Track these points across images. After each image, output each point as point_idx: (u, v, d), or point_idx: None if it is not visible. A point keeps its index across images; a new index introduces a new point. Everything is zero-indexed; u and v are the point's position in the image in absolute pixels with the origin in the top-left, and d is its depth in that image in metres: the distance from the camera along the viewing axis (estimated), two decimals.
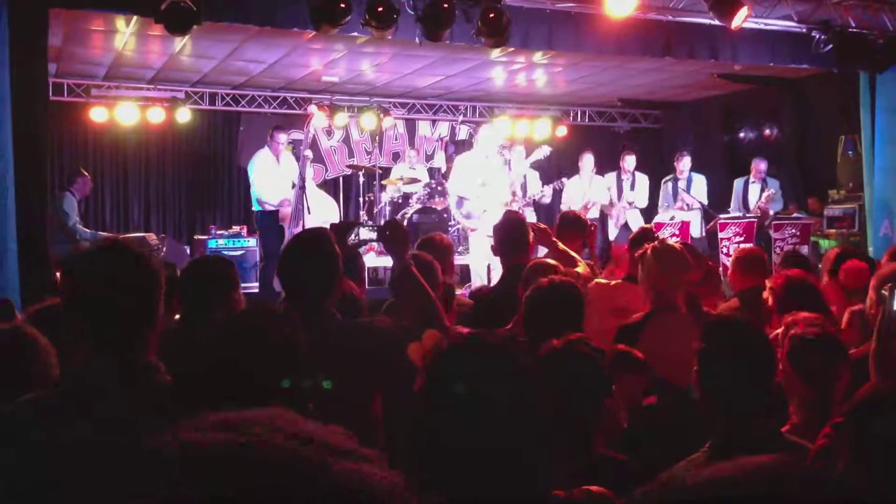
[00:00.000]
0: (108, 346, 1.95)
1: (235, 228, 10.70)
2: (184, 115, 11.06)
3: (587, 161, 10.77)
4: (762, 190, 10.31)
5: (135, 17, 7.52)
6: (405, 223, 9.92)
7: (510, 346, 1.55)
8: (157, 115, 11.00)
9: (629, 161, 10.83)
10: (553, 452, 1.46)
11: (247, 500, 0.66)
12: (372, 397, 2.75)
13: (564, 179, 10.61)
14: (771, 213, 9.94)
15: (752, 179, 10.43)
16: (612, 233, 10.70)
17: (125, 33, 8.44)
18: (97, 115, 10.85)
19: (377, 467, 0.73)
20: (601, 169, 11.18)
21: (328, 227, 3.97)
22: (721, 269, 7.68)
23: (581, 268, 4.53)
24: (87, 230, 9.54)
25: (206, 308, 3.18)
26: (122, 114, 10.86)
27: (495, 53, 9.04)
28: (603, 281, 4.71)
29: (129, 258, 2.01)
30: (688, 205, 10.37)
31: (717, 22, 7.39)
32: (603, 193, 10.80)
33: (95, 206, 11.27)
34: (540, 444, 1.43)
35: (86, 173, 9.87)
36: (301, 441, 0.70)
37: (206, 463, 0.67)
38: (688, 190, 10.45)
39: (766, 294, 4.12)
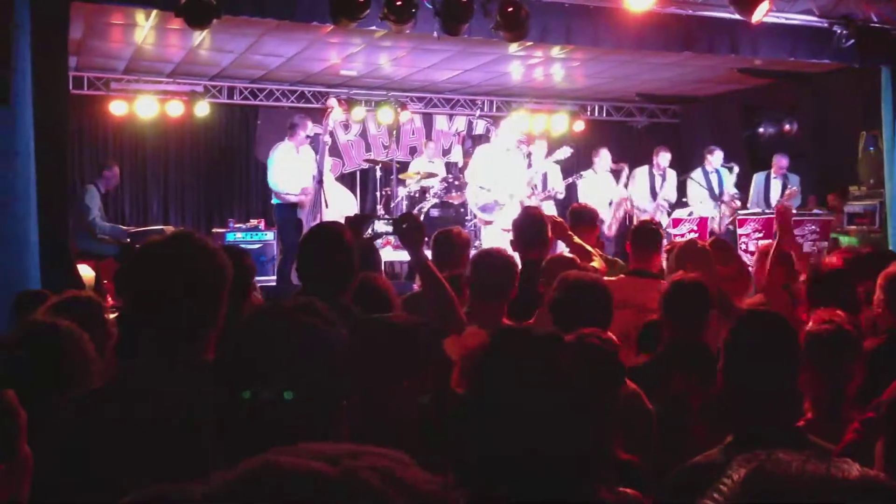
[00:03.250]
0: (167, 344, 1.85)
1: (253, 222, 10.76)
2: (202, 108, 11.10)
3: (603, 157, 10.72)
4: (784, 186, 10.24)
5: (154, 11, 7.56)
6: (422, 217, 9.93)
7: (557, 344, 1.54)
8: (175, 109, 11.06)
9: (663, 157, 10.72)
10: (601, 451, 1.45)
11: None
12: (392, 393, 2.75)
13: (584, 173, 10.57)
14: (793, 210, 9.87)
15: (773, 175, 10.36)
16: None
17: (145, 27, 8.49)
18: (117, 108, 10.92)
19: None
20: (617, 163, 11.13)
21: (343, 220, 3.98)
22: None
23: (597, 262, 4.52)
24: (107, 224, 9.60)
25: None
26: (142, 107, 10.92)
27: (513, 48, 9.02)
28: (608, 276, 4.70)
29: (202, 250, 1.90)
30: (733, 202, 10.27)
31: (737, 16, 7.33)
32: (615, 191, 10.73)
33: (115, 200, 11.34)
34: (588, 442, 1.42)
35: (114, 166, 9.93)
36: (393, 484, 0.66)
37: (302, 488, 0.64)
38: (720, 185, 10.37)
39: (798, 285, 4.10)
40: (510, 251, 4.26)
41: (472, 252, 4.84)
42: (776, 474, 0.85)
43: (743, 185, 10.72)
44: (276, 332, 1.71)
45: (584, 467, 1.43)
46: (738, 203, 10.36)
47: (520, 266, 4.54)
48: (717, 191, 10.44)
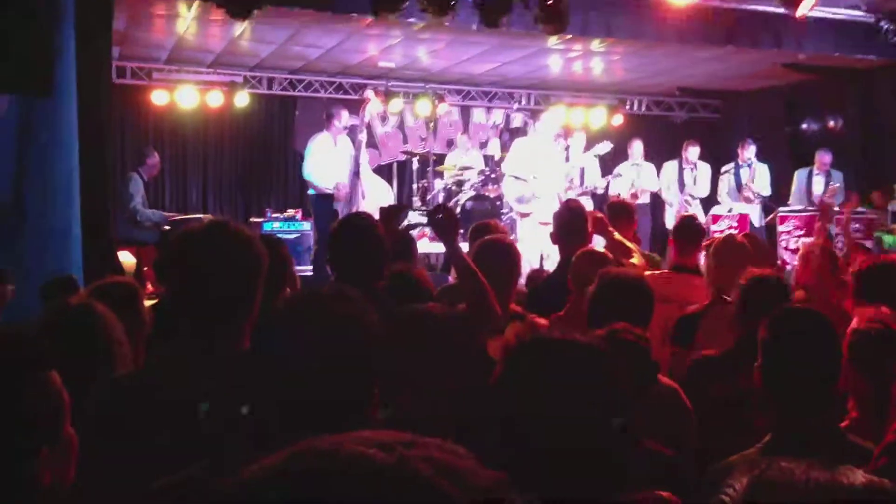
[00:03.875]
0: (203, 330, 1.86)
1: (290, 212, 10.82)
2: (242, 99, 11.20)
3: (636, 148, 10.72)
4: (826, 182, 10.07)
5: (196, 2, 7.63)
6: (458, 210, 9.93)
7: (594, 341, 1.53)
8: (216, 99, 11.16)
9: (692, 151, 10.69)
10: (632, 451, 1.44)
11: None
12: (426, 382, 2.75)
13: (621, 171, 10.53)
14: (836, 207, 9.71)
15: (815, 171, 10.20)
16: (670, 221, 10.57)
17: (187, 18, 8.57)
18: (158, 98, 11.05)
19: None
20: (658, 161, 11.06)
21: (378, 211, 3.98)
22: (780, 262, 7.53)
23: (636, 259, 4.48)
24: (148, 210, 9.74)
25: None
26: (183, 97, 11.04)
27: (553, 41, 8.95)
28: (649, 272, 4.66)
29: (238, 238, 1.90)
30: (753, 195, 10.16)
31: (781, 10, 7.21)
32: (652, 181, 10.69)
33: (156, 188, 11.48)
34: (621, 442, 1.41)
35: (154, 154, 10.06)
36: (448, 476, 0.63)
37: (353, 474, 0.62)
38: (752, 180, 10.26)
39: (847, 277, 4.02)
40: (550, 244, 4.23)
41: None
42: (779, 482, 0.84)
43: (784, 181, 10.57)
44: (309, 319, 1.72)
45: (609, 466, 1.42)
46: (752, 196, 10.21)
47: (558, 259, 4.53)
48: (744, 184, 10.34)
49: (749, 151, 10.43)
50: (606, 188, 10.50)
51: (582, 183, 10.04)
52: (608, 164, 10.71)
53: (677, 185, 10.70)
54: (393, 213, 3.88)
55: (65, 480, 1.50)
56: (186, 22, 8.75)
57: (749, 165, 10.44)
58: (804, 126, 11.95)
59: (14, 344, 1.48)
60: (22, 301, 4.26)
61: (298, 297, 1.92)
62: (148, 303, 3.17)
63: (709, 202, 10.76)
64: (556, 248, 5.06)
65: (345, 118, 9.38)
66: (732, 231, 8.78)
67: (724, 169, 10.61)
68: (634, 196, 10.37)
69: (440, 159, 11.36)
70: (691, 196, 10.61)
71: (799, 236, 8.92)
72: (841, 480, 0.80)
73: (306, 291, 2.11)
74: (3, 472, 1.39)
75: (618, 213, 5.39)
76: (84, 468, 1.54)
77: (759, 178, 10.39)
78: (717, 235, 6.65)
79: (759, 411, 2.86)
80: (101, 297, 2.65)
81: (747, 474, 0.90)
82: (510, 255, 3.72)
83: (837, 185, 9.94)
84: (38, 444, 1.41)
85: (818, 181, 10.18)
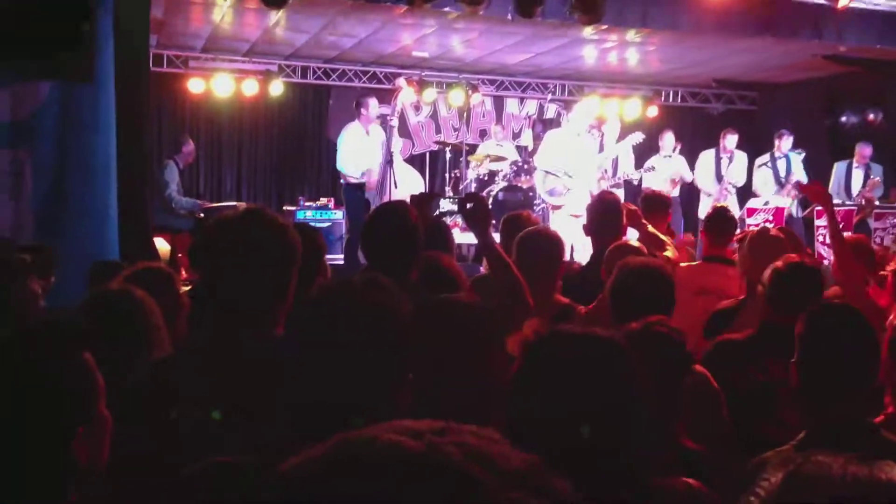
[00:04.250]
0: (237, 318, 1.87)
1: (323, 200, 10.88)
2: (276, 87, 11.27)
3: (668, 139, 10.61)
4: (866, 176, 9.91)
5: None
6: (490, 200, 9.92)
7: (614, 334, 1.52)
8: (251, 88, 11.24)
9: (730, 140, 10.55)
10: (655, 441, 1.43)
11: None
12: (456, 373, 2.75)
13: (653, 163, 10.44)
14: (876, 201, 9.56)
15: (855, 164, 10.04)
16: (705, 212, 10.46)
17: (223, 6, 8.63)
18: (194, 86, 11.15)
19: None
20: (693, 153, 10.95)
21: (409, 198, 3.97)
22: (817, 257, 7.43)
23: (670, 251, 4.44)
24: (183, 198, 9.84)
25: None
26: (218, 85, 11.13)
27: (588, 31, 8.89)
28: (685, 263, 4.62)
29: (273, 226, 1.91)
30: (794, 184, 10.03)
31: (822, 0, 7.09)
32: (685, 170, 10.58)
33: (191, 176, 11.60)
34: (642, 434, 1.40)
35: (190, 141, 10.17)
36: (479, 461, 0.62)
37: (382, 462, 0.62)
38: (788, 171, 10.12)
39: (886, 272, 3.96)
40: (580, 237, 4.20)
41: None
42: (816, 476, 0.82)
43: (822, 175, 10.41)
44: (343, 307, 1.73)
45: (636, 458, 1.41)
46: (796, 192, 10.07)
47: (591, 251, 4.50)
48: (782, 176, 10.20)
49: (786, 143, 10.28)
50: (640, 181, 10.42)
51: (615, 174, 9.97)
52: (640, 157, 10.62)
53: (714, 174, 10.57)
54: (424, 201, 3.86)
55: (99, 460, 1.53)
56: (222, 10, 8.81)
57: (786, 157, 10.30)
58: (843, 119, 11.75)
59: (52, 329, 1.52)
60: (62, 285, 4.33)
61: (331, 286, 1.93)
62: (183, 289, 3.20)
63: (744, 194, 10.62)
64: (586, 240, 5.03)
65: (374, 107, 9.39)
66: (768, 224, 8.68)
67: (759, 161, 10.47)
68: (674, 183, 10.30)
69: (473, 150, 11.34)
70: (731, 184, 10.48)
71: None
72: (879, 476, 0.79)
73: (339, 280, 2.11)
74: (41, 449, 1.42)
75: (652, 205, 5.35)
76: (118, 450, 1.57)
77: (797, 170, 10.25)
78: (752, 229, 6.58)
79: (783, 402, 2.84)
80: (137, 282, 2.69)
81: (782, 469, 0.89)
82: (554, 246, 3.71)
83: (877, 178, 9.78)
84: (74, 422, 1.44)
85: (857, 174, 10.02)
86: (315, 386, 1.66)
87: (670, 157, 10.60)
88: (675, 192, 10.50)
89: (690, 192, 11.01)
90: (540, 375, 1.45)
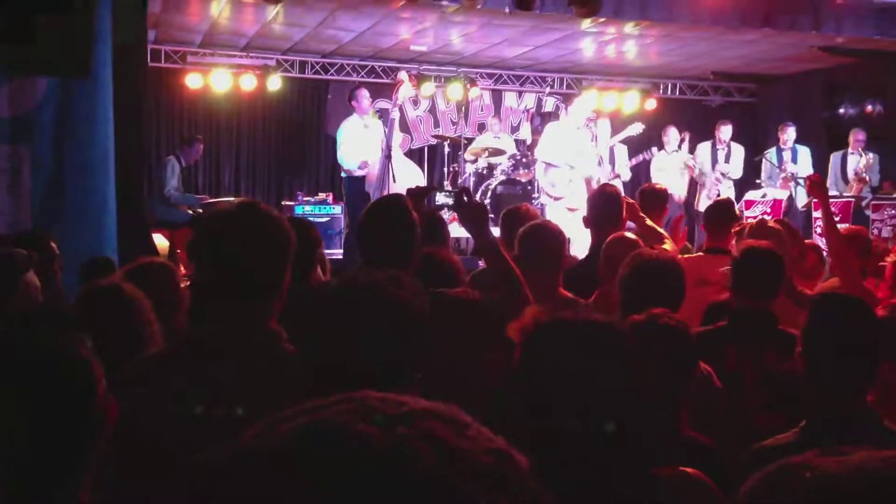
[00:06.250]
0: (233, 311, 1.88)
1: (322, 195, 10.86)
2: (274, 82, 11.25)
3: (672, 135, 10.57)
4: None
5: None
6: (489, 194, 9.91)
7: (613, 321, 1.52)
8: (249, 83, 11.22)
9: (724, 131, 10.58)
10: (658, 430, 1.43)
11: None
12: (455, 369, 2.76)
13: (655, 149, 10.41)
14: (867, 178, 9.57)
15: (850, 151, 10.06)
16: (704, 204, 10.44)
17: (221, 1, 8.61)
18: (192, 81, 11.13)
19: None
20: (691, 145, 10.94)
21: (404, 192, 3.95)
22: (815, 248, 7.42)
23: (668, 245, 4.44)
24: (181, 194, 9.86)
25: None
26: (216, 80, 11.12)
27: (586, 24, 8.88)
28: (686, 255, 4.63)
29: (267, 219, 1.92)
30: (793, 176, 10.02)
31: None
32: (681, 166, 10.56)
33: (189, 171, 11.58)
34: (645, 421, 1.40)
35: (199, 141, 10.20)
36: (452, 463, 0.60)
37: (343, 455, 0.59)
38: (794, 162, 10.13)
39: (885, 262, 3.96)
40: (577, 230, 4.19)
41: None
42: (833, 470, 0.82)
43: (822, 166, 10.41)
44: (362, 301, 1.72)
45: (639, 446, 1.41)
46: (802, 182, 10.07)
47: (590, 244, 4.49)
48: (790, 169, 10.19)
49: (789, 135, 10.28)
50: (643, 172, 10.42)
51: (613, 168, 9.99)
52: (637, 150, 10.59)
53: (710, 166, 10.58)
54: (420, 195, 3.84)
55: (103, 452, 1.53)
56: (220, 5, 8.79)
57: (791, 149, 10.30)
58: (841, 111, 11.75)
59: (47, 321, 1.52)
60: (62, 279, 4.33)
61: (349, 280, 1.91)
62: (182, 284, 3.20)
63: (741, 187, 10.61)
64: (582, 234, 5.01)
65: (366, 97, 9.39)
66: (766, 216, 8.68)
67: (765, 154, 10.45)
68: (690, 169, 10.29)
69: (471, 143, 11.33)
70: (722, 174, 10.46)
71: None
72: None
73: (353, 274, 2.10)
74: (47, 445, 1.43)
75: (649, 199, 5.34)
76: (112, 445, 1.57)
77: (801, 161, 10.25)
78: (749, 221, 6.58)
79: (751, 392, 2.85)
80: (138, 277, 2.70)
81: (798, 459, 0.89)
82: (557, 240, 3.69)
83: (871, 155, 9.80)
84: (81, 417, 1.45)
85: (853, 160, 10.06)
86: (325, 383, 1.66)
87: (677, 151, 10.57)
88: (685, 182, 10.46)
89: (691, 188, 10.98)
90: (541, 362, 1.45)
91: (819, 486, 0.80)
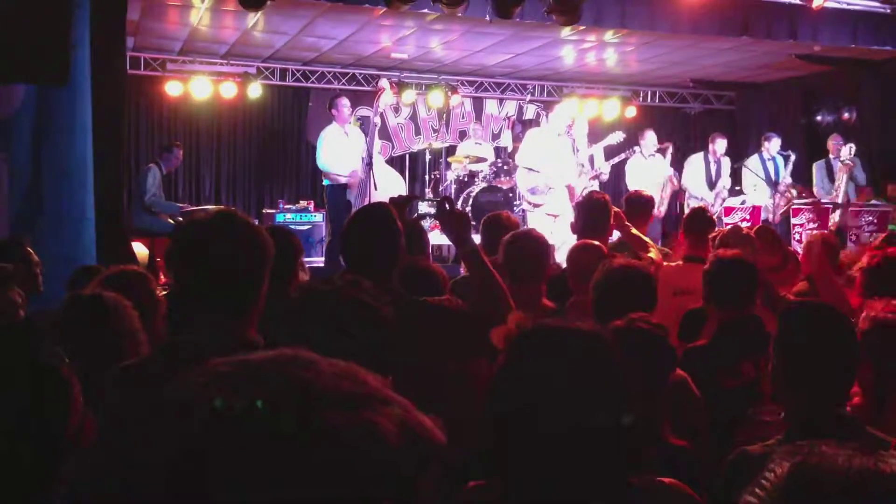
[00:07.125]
0: (210, 319, 1.88)
1: (303, 203, 10.83)
2: (255, 90, 11.22)
3: (649, 139, 10.54)
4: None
5: None
6: (470, 201, 9.92)
7: (597, 328, 1.52)
8: (229, 90, 11.19)
9: (720, 144, 10.53)
10: (637, 437, 1.43)
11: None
12: (437, 376, 2.75)
13: (636, 148, 10.42)
14: (850, 163, 9.64)
15: (832, 156, 10.15)
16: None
17: (200, 8, 8.58)
18: (172, 88, 11.08)
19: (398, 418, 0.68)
20: (678, 157, 10.97)
21: (387, 200, 3.95)
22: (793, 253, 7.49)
23: (654, 253, 4.45)
24: (163, 202, 9.82)
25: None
26: (196, 88, 11.07)
27: (566, 32, 8.92)
28: (666, 264, 4.65)
29: (244, 228, 1.92)
30: (793, 191, 10.09)
31: (797, 1, 7.16)
32: (664, 171, 10.52)
33: (169, 179, 11.53)
34: (624, 428, 1.40)
35: (178, 147, 10.14)
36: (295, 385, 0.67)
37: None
38: (777, 173, 10.19)
39: (853, 272, 4.00)
40: (558, 236, 4.20)
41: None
42: (821, 468, 0.83)
43: (801, 173, 10.50)
44: (325, 307, 1.72)
45: (619, 453, 1.42)
46: (794, 193, 10.13)
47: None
48: (773, 179, 10.25)
49: (774, 145, 10.33)
50: (621, 177, 10.43)
51: (592, 166, 10.03)
52: (617, 152, 10.61)
53: (705, 179, 10.51)
54: (402, 204, 3.84)
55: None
56: (200, 12, 8.76)
57: (774, 160, 10.34)
58: (819, 118, 11.87)
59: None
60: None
61: (311, 287, 1.92)
62: (160, 292, 3.18)
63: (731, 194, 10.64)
64: (564, 241, 5.03)
65: (346, 106, 9.36)
66: (744, 224, 8.74)
67: (746, 162, 10.45)
68: (672, 183, 10.29)
69: (452, 151, 11.34)
70: (725, 189, 10.43)
71: (812, 229, 8.87)
72: (884, 469, 0.80)
73: (319, 282, 2.10)
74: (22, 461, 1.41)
75: (635, 207, 5.35)
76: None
77: (784, 171, 10.30)
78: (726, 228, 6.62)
79: (753, 404, 2.87)
80: (112, 285, 2.67)
81: (788, 459, 0.89)
82: (542, 249, 3.70)
83: (851, 145, 9.91)
84: (51, 430, 1.43)
85: (836, 165, 10.13)
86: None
87: (653, 156, 10.58)
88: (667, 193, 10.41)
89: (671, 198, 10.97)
90: (524, 369, 1.45)
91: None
